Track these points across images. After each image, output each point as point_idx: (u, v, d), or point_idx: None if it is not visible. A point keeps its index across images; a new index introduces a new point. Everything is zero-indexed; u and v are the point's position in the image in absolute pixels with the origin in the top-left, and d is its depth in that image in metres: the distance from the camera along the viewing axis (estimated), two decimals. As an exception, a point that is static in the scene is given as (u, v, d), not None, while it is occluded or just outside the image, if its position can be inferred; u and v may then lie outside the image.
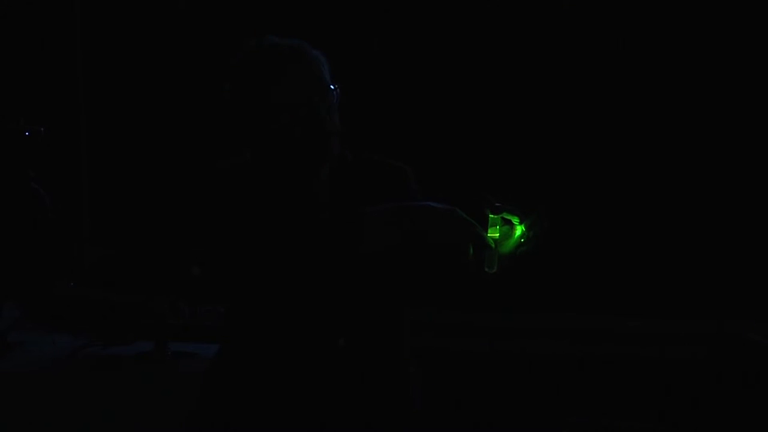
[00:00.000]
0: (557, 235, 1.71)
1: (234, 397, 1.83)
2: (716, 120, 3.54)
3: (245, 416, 1.81)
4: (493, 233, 1.67)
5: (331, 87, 1.81)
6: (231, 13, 3.69)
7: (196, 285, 3.19)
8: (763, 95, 3.51)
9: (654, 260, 3.57)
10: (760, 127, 3.53)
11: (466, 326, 3.41)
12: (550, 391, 3.39)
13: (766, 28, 3.48)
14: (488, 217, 1.67)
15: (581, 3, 3.58)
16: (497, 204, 1.68)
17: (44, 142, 3.16)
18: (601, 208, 3.62)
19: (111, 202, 3.83)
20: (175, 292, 3.26)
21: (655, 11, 3.56)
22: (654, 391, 3.35)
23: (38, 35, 3.74)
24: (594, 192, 3.62)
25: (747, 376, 2.80)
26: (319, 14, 3.34)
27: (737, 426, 2.76)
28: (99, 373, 2.92)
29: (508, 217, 1.69)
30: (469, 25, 3.64)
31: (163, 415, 2.79)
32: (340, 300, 1.80)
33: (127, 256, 3.48)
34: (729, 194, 3.55)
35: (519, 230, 1.70)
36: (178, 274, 3.21)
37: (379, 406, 1.84)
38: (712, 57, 3.53)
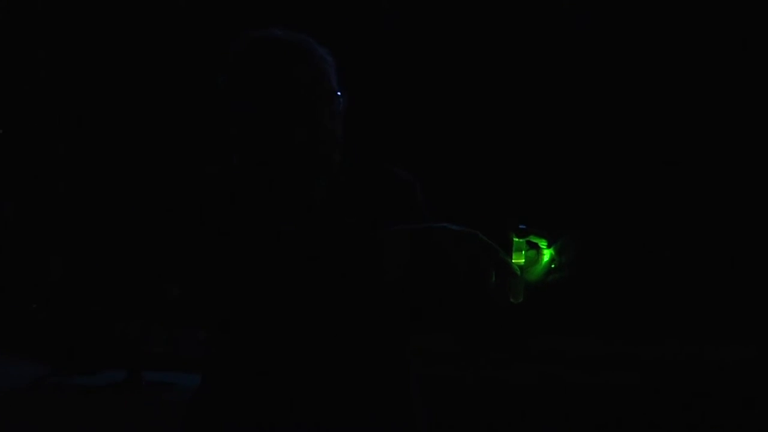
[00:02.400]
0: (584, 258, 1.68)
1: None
2: (727, 145, 3.68)
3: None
4: (518, 259, 1.63)
5: (337, 92, 1.79)
6: (216, 13, 3.70)
7: (175, 307, 3.16)
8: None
9: (686, 285, 3.68)
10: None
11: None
12: (565, 417, 3.42)
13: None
14: (512, 241, 1.63)
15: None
16: (522, 226, 1.63)
17: (1, 145, 3.12)
18: (630, 229, 3.65)
19: (80, 211, 3.79)
20: (150, 314, 3.22)
21: (659, 10, 3.67)
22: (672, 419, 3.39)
23: (16, 38, 3.72)
24: (624, 211, 3.64)
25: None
26: (316, 14, 3.35)
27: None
28: (64, 405, 2.83)
29: (535, 240, 1.65)
30: (492, 36, 3.74)
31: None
32: (346, 326, 1.77)
33: (97, 273, 3.45)
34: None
35: (547, 255, 1.65)
36: (155, 294, 3.18)
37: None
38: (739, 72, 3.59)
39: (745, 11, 3.61)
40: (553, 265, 1.64)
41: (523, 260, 1.63)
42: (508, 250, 1.62)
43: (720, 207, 3.65)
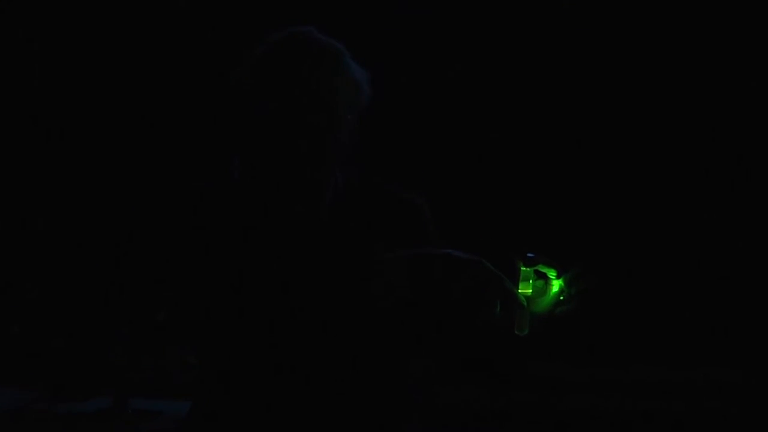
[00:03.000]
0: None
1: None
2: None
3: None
4: (525, 289, 1.61)
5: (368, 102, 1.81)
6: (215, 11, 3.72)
7: (162, 332, 3.14)
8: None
9: (699, 308, 3.64)
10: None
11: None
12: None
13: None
14: (519, 269, 1.62)
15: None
16: (530, 254, 1.62)
17: None
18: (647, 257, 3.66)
19: (62, 229, 3.77)
20: (136, 339, 3.20)
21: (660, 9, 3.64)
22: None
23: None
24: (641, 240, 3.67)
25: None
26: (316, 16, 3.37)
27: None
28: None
29: (543, 270, 1.64)
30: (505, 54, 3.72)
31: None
32: (340, 352, 1.77)
33: (80, 295, 3.41)
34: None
35: (556, 286, 1.63)
36: (141, 318, 3.15)
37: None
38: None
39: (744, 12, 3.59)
40: (561, 297, 1.63)
41: (531, 290, 1.62)
42: (515, 279, 1.61)
43: (726, 227, 3.64)
